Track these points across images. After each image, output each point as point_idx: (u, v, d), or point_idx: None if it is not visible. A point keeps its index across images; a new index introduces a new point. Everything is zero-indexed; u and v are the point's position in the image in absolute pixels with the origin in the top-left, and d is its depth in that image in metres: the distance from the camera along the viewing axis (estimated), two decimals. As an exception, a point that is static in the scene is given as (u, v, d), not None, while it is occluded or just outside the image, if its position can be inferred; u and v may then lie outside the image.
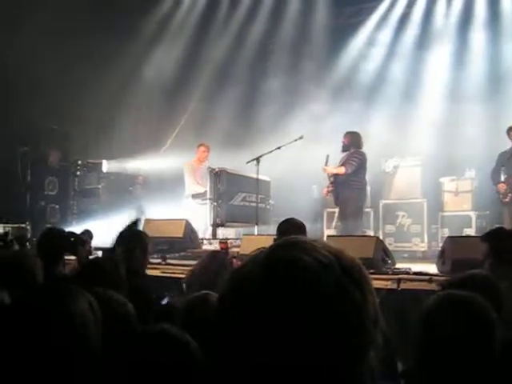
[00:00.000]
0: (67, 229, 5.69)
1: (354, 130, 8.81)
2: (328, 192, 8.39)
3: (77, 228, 9.60)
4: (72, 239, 4.67)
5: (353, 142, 8.38)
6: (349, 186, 8.17)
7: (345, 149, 8.40)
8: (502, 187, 8.39)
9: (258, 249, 0.95)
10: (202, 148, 9.58)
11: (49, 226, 7.67)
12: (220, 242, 7.80)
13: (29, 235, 9.07)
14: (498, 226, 4.22)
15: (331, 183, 8.29)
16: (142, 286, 3.94)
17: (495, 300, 2.02)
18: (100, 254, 7.37)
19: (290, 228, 4.66)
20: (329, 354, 0.86)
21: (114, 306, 2.10)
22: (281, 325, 0.85)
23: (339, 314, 0.87)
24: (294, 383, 0.86)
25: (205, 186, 9.22)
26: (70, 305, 1.48)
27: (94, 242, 6.57)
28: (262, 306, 0.86)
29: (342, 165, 8.21)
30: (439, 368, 1.84)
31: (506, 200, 8.37)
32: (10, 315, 1.47)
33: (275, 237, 4.92)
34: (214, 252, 5.80)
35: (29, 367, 1.37)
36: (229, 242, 8.20)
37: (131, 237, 4.42)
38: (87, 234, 6.18)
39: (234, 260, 5.76)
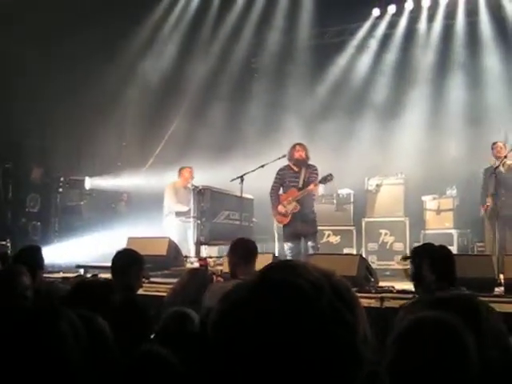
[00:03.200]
0: (49, 247, 5.65)
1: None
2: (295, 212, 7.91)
3: (59, 246, 9.56)
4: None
5: (308, 154, 8.06)
6: (311, 205, 8.05)
7: (304, 163, 8.01)
8: (483, 209, 8.66)
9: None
10: (188, 169, 9.44)
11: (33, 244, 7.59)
12: (199, 259, 7.79)
13: (9, 252, 8.95)
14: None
15: (298, 202, 7.87)
16: (140, 302, 3.96)
17: (474, 321, 2.01)
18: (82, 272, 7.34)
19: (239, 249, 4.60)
20: (322, 375, 0.87)
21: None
22: (274, 347, 0.86)
23: (332, 334, 0.88)
24: None
25: (186, 206, 9.17)
26: (53, 326, 1.47)
27: (77, 260, 6.53)
28: (255, 330, 0.87)
29: (309, 182, 7.85)
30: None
31: (485, 214, 8.57)
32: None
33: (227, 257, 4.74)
34: (193, 269, 5.80)
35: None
36: (212, 259, 8.19)
37: (128, 255, 4.46)
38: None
39: (214, 277, 5.76)
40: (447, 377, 1.77)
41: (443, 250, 3.86)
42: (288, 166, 8.11)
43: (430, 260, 3.72)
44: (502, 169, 8.14)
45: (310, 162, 8.12)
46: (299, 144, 8.12)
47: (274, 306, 0.88)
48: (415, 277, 3.83)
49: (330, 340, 0.88)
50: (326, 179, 7.83)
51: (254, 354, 0.87)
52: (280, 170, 8.16)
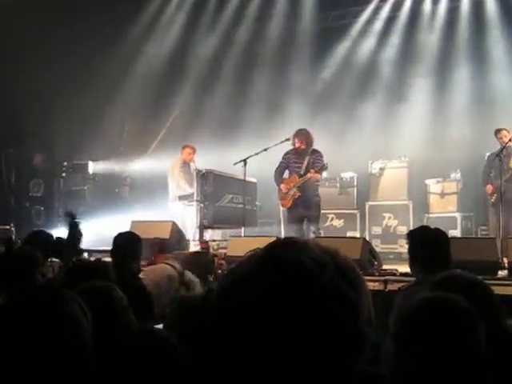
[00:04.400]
0: (52, 231, 5.67)
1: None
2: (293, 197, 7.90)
3: (62, 230, 9.57)
4: (58, 244, 4.67)
5: (310, 142, 8.00)
6: (314, 190, 7.99)
7: (304, 151, 7.95)
8: (489, 189, 8.57)
9: (254, 249, 0.96)
10: (187, 149, 9.54)
11: (35, 229, 7.62)
12: (200, 242, 7.81)
13: (13, 237, 8.98)
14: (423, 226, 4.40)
15: (299, 189, 7.82)
16: (142, 285, 4.02)
17: (477, 301, 2.00)
18: (85, 256, 7.36)
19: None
20: (323, 352, 0.87)
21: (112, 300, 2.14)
22: (276, 322, 0.86)
23: (334, 312, 0.88)
24: (289, 380, 0.86)
25: (190, 188, 9.21)
26: (62, 308, 1.47)
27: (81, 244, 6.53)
28: (259, 304, 0.87)
29: (313, 169, 7.79)
30: (417, 371, 1.82)
31: (492, 200, 8.49)
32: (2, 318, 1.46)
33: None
34: (196, 252, 5.82)
35: (21, 370, 1.36)
36: (216, 243, 8.21)
37: (127, 236, 4.52)
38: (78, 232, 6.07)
39: (216, 259, 5.78)
40: (456, 358, 1.76)
41: (437, 233, 3.90)
42: (293, 149, 8.10)
43: (424, 242, 3.77)
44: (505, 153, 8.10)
45: (315, 147, 8.06)
46: (296, 135, 8.01)
47: (275, 281, 0.88)
48: (410, 258, 3.88)
49: (331, 317, 0.87)
50: (322, 168, 7.77)
51: (254, 329, 0.87)
52: (285, 153, 8.16)
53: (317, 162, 7.89)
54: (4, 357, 1.37)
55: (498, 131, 8.44)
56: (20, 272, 3.28)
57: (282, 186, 8.02)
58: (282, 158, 8.16)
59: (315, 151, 8.03)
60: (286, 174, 8.19)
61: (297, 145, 7.95)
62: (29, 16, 9.47)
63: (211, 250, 7.31)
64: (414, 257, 3.82)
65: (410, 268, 3.93)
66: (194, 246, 8.03)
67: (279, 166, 8.19)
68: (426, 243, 3.75)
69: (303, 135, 7.99)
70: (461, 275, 2.46)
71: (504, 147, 7.99)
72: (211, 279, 4.45)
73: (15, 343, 1.38)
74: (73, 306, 1.49)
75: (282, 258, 0.91)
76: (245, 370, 0.87)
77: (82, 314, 1.49)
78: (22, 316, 1.43)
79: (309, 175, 7.73)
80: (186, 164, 9.57)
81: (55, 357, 1.39)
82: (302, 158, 7.95)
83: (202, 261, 4.54)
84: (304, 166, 7.91)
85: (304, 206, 7.85)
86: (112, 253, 4.52)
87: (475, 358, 1.77)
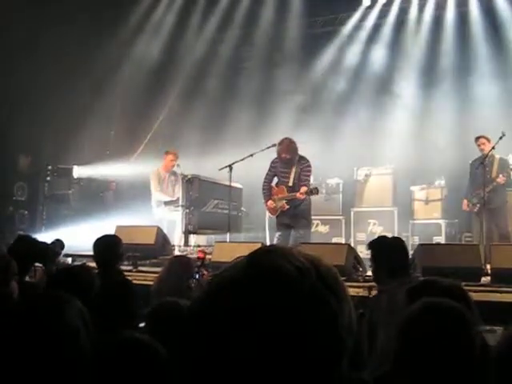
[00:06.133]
0: (36, 235, 5.64)
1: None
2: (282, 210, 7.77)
3: (46, 235, 9.51)
4: (43, 249, 4.66)
5: (294, 151, 7.76)
6: (302, 200, 7.76)
7: (290, 160, 7.75)
8: (465, 204, 8.75)
9: (239, 256, 0.97)
10: (170, 156, 9.40)
11: (21, 233, 7.56)
12: (199, 251, 7.67)
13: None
14: (382, 235, 4.70)
15: (287, 202, 7.69)
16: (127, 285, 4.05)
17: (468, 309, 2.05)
18: (69, 261, 7.32)
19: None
20: (302, 357, 0.87)
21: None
22: (256, 327, 0.87)
23: (313, 318, 0.89)
24: None
25: (171, 195, 9.18)
26: (63, 312, 1.46)
27: (65, 249, 6.51)
28: (240, 309, 0.88)
29: (300, 181, 7.66)
30: (416, 374, 1.84)
31: (475, 211, 8.57)
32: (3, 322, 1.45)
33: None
34: (176, 256, 5.81)
35: (21, 373, 1.35)
36: (200, 248, 8.17)
37: (106, 239, 4.55)
38: (59, 245, 6.13)
39: (202, 270, 5.75)
40: (454, 361, 1.79)
41: (395, 241, 4.17)
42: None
43: (383, 251, 4.03)
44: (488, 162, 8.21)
45: (302, 154, 7.89)
46: (279, 144, 7.80)
47: (257, 287, 0.89)
48: (372, 268, 4.16)
49: (311, 323, 0.88)
50: (312, 192, 7.54)
51: (235, 334, 0.88)
52: (272, 161, 8.00)
53: (304, 172, 7.76)
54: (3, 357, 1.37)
55: (476, 139, 8.57)
56: None
57: (269, 202, 7.91)
58: (270, 167, 8.03)
59: (302, 159, 7.84)
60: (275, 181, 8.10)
61: (282, 155, 7.76)
62: (16, 19, 9.40)
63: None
64: (376, 266, 4.08)
65: (373, 276, 4.19)
66: (179, 252, 8.01)
67: (267, 174, 8.04)
68: (385, 252, 3.99)
69: (285, 145, 7.74)
70: (438, 281, 2.50)
71: (487, 155, 8.08)
72: (192, 284, 4.44)
73: (14, 346, 1.37)
74: (73, 310, 1.48)
75: (264, 264, 0.92)
76: (225, 375, 0.87)
77: (82, 319, 1.49)
78: (22, 320, 1.42)
79: (297, 195, 7.51)
80: (167, 172, 9.45)
81: (52, 361, 1.38)
82: (289, 167, 7.79)
83: (183, 266, 4.52)
84: (292, 177, 7.76)
85: (291, 216, 7.80)
86: (94, 257, 4.54)
87: (471, 359, 1.80)
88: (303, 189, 7.54)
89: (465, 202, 8.76)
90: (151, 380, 1.57)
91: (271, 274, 0.90)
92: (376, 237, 4.59)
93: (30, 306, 1.50)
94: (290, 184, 7.77)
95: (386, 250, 4.01)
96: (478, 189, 8.34)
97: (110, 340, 1.66)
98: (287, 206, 7.72)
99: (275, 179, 8.08)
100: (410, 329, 1.87)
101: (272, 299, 0.88)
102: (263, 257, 0.95)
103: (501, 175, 8.31)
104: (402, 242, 4.21)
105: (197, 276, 4.97)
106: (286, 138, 7.89)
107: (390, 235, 9.52)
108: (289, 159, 7.77)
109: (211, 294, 0.93)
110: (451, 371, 1.79)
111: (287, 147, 7.74)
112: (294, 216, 7.78)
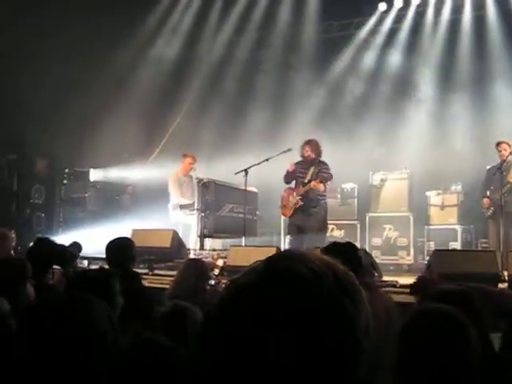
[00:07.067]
0: (53, 238, 5.69)
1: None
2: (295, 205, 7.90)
3: (63, 237, 9.59)
4: (61, 251, 4.69)
5: (318, 152, 8.00)
6: (316, 199, 7.90)
7: (312, 161, 7.95)
8: (486, 202, 8.58)
9: (256, 261, 0.98)
10: (188, 159, 9.47)
11: (39, 235, 7.63)
12: (218, 259, 7.60)
13: (13, 243, 8.97)
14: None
15: (301, 197, 7.83)
16: (143, 289, 4.06)
17: (473, 315, 2.04)
18: (85, 264, 7.37)
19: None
20: (319, 362, 0.88)
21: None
22: (273, 331, 0.88)
23: (331, 322, 0.89)
24: None
25: (190, 198, 9.20)
26: (93, 312, 1.48)
27: (81, 251, 6.56)
28: (257, 313, 0.89)
29: (318, 179, 7.75)
30: (414, 379, 1.86)
31: (489, 214, 8.51)
32: (34, 318, 1.47)
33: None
34: (191, 260, 5.83)
35: (49, 370, 1.37)
36: (216, 252, 8.20)
37: (119, 242, 4.56)
38: (76, 247, 6.18)
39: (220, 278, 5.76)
40: (450, 365, 1.79)
41: (346, 246, 4.01)
42: (301, 161, 8.10)
43: (335, 257, 3.90)
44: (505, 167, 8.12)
45: (322, 159, 8.03)
46: (308, 143, 8.03)
47: (274, 291, 0.90)
48: None
49: (328, 328, 0.89)
50: (325, 179, 7.76)
51: (253, 338, 0.88)
52: (295, 163, 8.12)
53: (322, 172, 7.88)
54: (32, 353, 1.38)
55: (498, 144, 8.45)
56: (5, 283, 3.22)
57: (285, 193, 8.02)
58: (293, 168, 8.10)
59: (322, 162, 8.00)
60: (293, 184, 8.17)
61: (306, 153, 7.93)
62: (27, 22, 9.49)
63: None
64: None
65: None
66: (194, 255, 8.03)
67: (288, 173, 8.12)
68: (337, 257, 3.85)
69: (314, 145, 7.99)
70: (455, 290, 2.50)
71: (504, 161, 8.02)
72: (207, 287, 4.46)
73: (43, 342, 1.39)
74: (102, 311, 1.50)
75: (281, 268, 0.93)
76: (244, 377, 0.89)
77: (109, 320, 1.50)
78: (54, 318, 1.44)
79: (312, 184, 7.69)
80: (185, 175, 9.50)
81: (81, 360, 1.39)
82: (308, 167, 7.94)
83: (198, 269, 4.54)
84: (309, 175, 7.89)
85: (303, 215, 7.83)
86: (107, 260, 4.55)
87: (468, 363, 1.80)
88: (316, 180, 7.67)
89: (485, 200, 8.61)
90: (170, 381, 1.58)
91: (289, 277, 0.91)
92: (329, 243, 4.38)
93: (57, 306, 1.51)
94: (306, 181, 7.83)
95: (338, 255, 3.94)
96: (494, 193, 8.27)
97: (130, 341, 1.68)
98: (301, 203, 7.76)
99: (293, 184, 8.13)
100: (407, 335, 1.88)
101: (290, 303, 0.89)
102: (280, 261, 0.95)
103: None
104: (354, 246, 3.99)
105: (213, 282, 4.99)
106: (313, 139, 8.09)
107: (405, 240, 9.57)
108: (312, 159, 7.92)
109: (229, 298, 0.94)
110: (449, 375, 1.79)
111: (315, 146, 7.96)
112: (306, 219, 7.77)
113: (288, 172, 8.07)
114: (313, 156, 7.92)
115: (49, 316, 1.45)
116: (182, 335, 2.24)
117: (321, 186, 7.74)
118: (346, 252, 3.73)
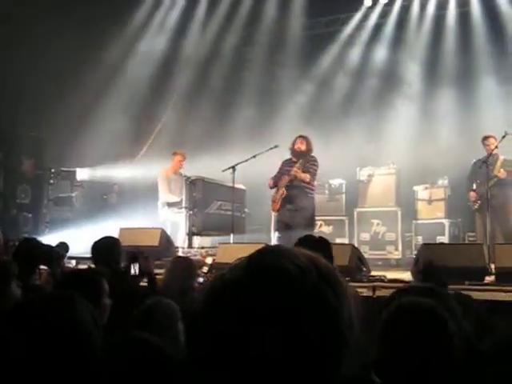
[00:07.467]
0: (40, 238, 5.65)
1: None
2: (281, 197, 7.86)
3: (50, 237, 9.53)
4: (48, 251, 4.65)
5: (310, 148, 8.02)
6: (304, 192, 7.84)
7: (301, 154, 7.94)
8: (472, 195, 8.65)
9: (240, 257, 0.98)
10: (178, 157, 9.47)
11: (26, 235, 7.57)
12: (207, 257, 7.62)
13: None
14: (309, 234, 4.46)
15: (286, 188, 7.82)
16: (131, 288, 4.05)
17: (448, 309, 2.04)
18: (73, 264, 7.33)
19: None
20: (304, 356, 0.89)
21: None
22: (258, 326, 0.88)
23: (315, 316, 0.90)
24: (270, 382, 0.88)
25: (178, 196, 9.18)
26: (77, 312, 1.46)
27: (69, 251, 6.52)
28: (246, 308, 0.89)
29: (304, 171, 7.78)
30: (396, 374, 1.86)
31: (476, 207, 8.57)
32: (17, 318, 1.44)
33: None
34: (178, 258, 5.82)
35: (32, 372, 1.35)
36: (204, 250, 8.19)
37: (106, 241, 4.53)
38: (63, 248, 6.13)
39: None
40: (431, 359, 1.80)
41: (319, 240, 4.03)
42: (290, 158, 8.08)
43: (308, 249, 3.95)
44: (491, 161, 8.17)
45: (313, 154, 8.03)
46: (301, 136, 8.07)
47: (258, 286, 0.90)
48: None
49: (312, 321, 0.90)
50: (311, 173, 7.78)
51: (237, 333, 0.89)
52: (283, 161, 8.16)
53: (309, 164, 7.86)
54: (15, 353, 1.36)
55: (485, 138, 8.49)
56: None
57: (271, 182, 8.02)
58: (280, 166, 8.14)
59: (311, 157, 7.99)
60: None
61: (297, 145, 7.94)
62: (16, 17, 9.42)
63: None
64: None
65: None
66: (183, 253, 8.01)
67: (277, 172, 8.12)
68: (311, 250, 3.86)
69: (306, 138, 8.03)
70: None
71: (490, 154, 8.07)
72: (196, 285, 4.44)
73: (27, 343, 1.37)
74: (86, 312, 1.48)
75: (264, 264, 0.94)
76: (230, 372, 0.88)
77: (94, 320, 1.48)
78: (37, 318, 1.42)
79: (293, 169, 7.69)
80: (175, 173, 9.48)
81: (65, 361, 1.38)
82: (297, 160, 7.92)
83: (185, 267, 4.53)
84: (296, 166, 7.84)
85: (290, 214, 7.79)
86: (93, 259, 4.53)
87: (450, 358, 1.81)
88: (297, 167, 7.72)
89: (471, 193, 8.66)
90: (159, 379, 1.57)
91: (272, 273, 0.92)
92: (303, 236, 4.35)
93: (41, 305, 1.49)
94: (292, 172, 7.82)
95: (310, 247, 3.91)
96: (480, 186, 8.32)
97: (117, 339, 1.66)
98: (286, 192, 7.76)
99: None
100: (388, 330, 1.88)
101: (275, 299, 0.89)
102: (264, 256, 0.96)
103: (502, 170, 8.29)
104: (326, 241, 4.06)
105: (201, 280, 4.98)
106: (307, 136, 8.13)
107: (393, 235, 9.61)
108: (302, 151, 7.90)
109: (214, 294, 0.94)
110: (431, 370, 1.80)
111: (306, 140, 7.98)
112: (293, 214, 7.75)
113: (271, 183, 8.08)
114: (302, 148, 7.92)
115: (33, 314, 1.43)
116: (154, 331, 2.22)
117: (304, 176, 7.72)
118: (318, 247, 3.74)
